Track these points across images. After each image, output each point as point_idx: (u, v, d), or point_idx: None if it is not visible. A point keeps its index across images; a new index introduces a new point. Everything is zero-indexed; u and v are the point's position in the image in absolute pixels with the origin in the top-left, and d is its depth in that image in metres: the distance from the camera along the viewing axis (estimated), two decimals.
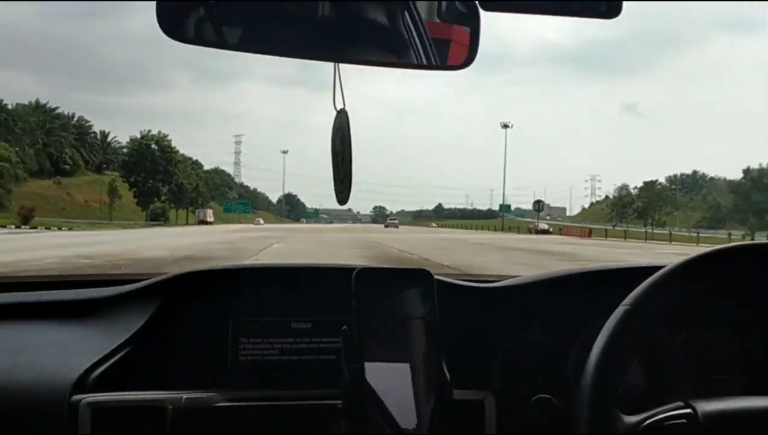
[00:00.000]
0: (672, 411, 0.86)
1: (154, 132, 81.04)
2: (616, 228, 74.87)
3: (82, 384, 1.04)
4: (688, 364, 1.30)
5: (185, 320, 1.29)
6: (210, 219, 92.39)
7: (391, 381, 0.80)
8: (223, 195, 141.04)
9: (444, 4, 0.99)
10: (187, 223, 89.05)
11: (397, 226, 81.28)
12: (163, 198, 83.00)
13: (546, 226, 70.15)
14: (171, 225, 76.78)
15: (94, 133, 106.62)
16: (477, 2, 0.93)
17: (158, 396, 1.01)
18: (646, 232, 57.84)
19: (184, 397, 1.00)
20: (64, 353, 1.15)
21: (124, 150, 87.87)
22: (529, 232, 64.10)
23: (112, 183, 78.11)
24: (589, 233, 55.21)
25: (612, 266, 1.38)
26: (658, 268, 0.95)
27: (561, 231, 66.84)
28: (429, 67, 0.95)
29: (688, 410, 0.85)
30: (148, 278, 1.34)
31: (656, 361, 1.30)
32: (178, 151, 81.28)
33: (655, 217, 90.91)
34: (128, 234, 39.74)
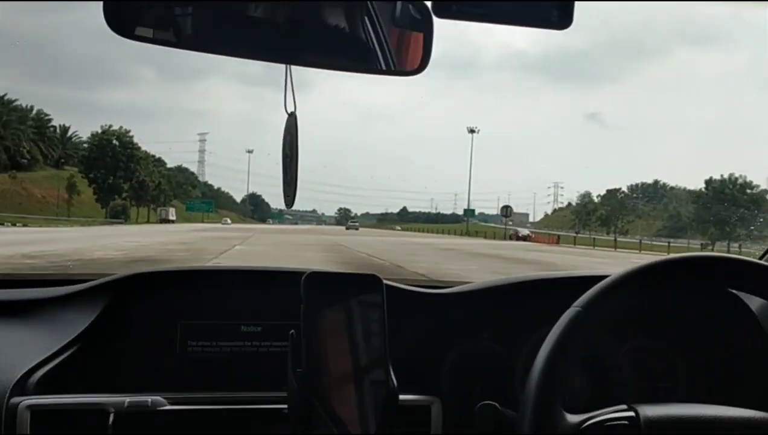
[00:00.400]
0: (615, 413, 0.87)
1: (116, 127, 78.46)
2: (580, 235, 75.13)
3: (22, 386, 1.02)
4: (632, 372, 1.34)
5: (132, 322, 1.28)
6: (172, 217, 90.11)
7: (337, 385, 0.81)
8: (186, 193, 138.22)
9: (398, 8, 0.98)
10: (148, 222, 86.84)
11: (357, 229, 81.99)
12: (124, 195, 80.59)
13: (527, 232, 68.76)
14: (131, 223, 74.68)
15: (54, 126, 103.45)
16: (430, 8, 0.94)
17: (100, 399, 0.98)
18: (615, 239, 57.72)
19: (127, 400, 0.98)
20: (5, 354, 1.12)
21: (85, 145, 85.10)
22: (511, 238, 62.31)
23: (70, 178, 75.94)
24: (557, 240, 54.91)
25: (563, 274, 1.39)
26: (607, 276, 0.96)
27: (527, 238, 66.58)
28: (382, 72, 0.96)
29: (631, 413, 0.87)
30: (96, 279, 1.32)
31: (602, 369, 1.33)
32: (140, 148, 78.95)
33: (618, 224, 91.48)
34: (84, 231, 38.28)
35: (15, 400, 0.97)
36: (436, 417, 1.08)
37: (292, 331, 0.86)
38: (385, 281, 0.90)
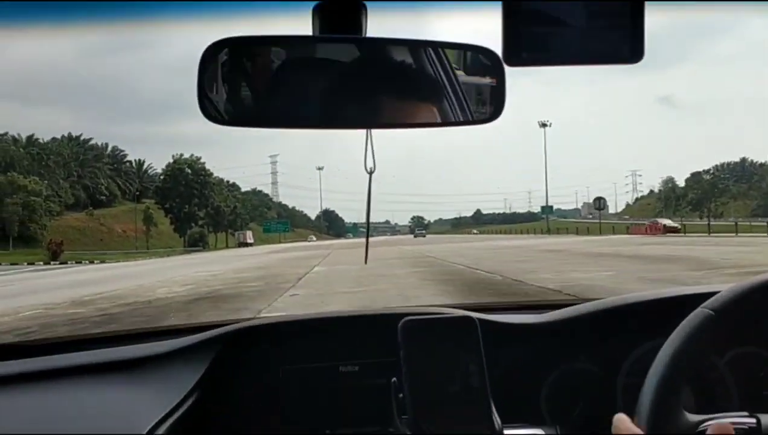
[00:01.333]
0: (736, 418, 0.84)
1: (187, 155, 77.92)
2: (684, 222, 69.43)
3: None
4: (736, 381, 1.30)
5: (239, 373, 1.34)
6: (250, 240, 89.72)
7: (443, 429, 0.82)
8: (262, 215, 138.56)
9: (469, 59, 1.02)
10: (227, 246, 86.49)
11: (424, 236, 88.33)
12: (200, 222, 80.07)
13: (675, 224, 57.38)
14: (210, 249, 73.97)
15: (130, 162, 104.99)
16: (501, 57, 0.95)
17: None
18: (736, 224, 51.53)
19: None
20: (126, 413, 1.16)
21: (160, 176, 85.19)
22: (648, 231, 52.81)
23: (146, 210, 75.41)
24: (664, 229, 49.44)
25: (661, 295, 1.37)
26: (710, 294, 0.90)
27: (628, 229, 60.57)
28: (458, 123, 0.98)
29: (753, 420, 0.83)
30: (196, 331, 1.39)
31: (705, 377, 1.29)
32: (212, 174, 78.10)
33: (711, 207, 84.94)
34: (160, 263, 36.98)
35: None
36: None
37: (394, 378, 0.87)
38: (477, 316, 0.91)
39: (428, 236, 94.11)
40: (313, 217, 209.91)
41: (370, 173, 1.02)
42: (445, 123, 0.96)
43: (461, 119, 0.96)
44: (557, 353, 1.32)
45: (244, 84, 0.95)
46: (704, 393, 1.23)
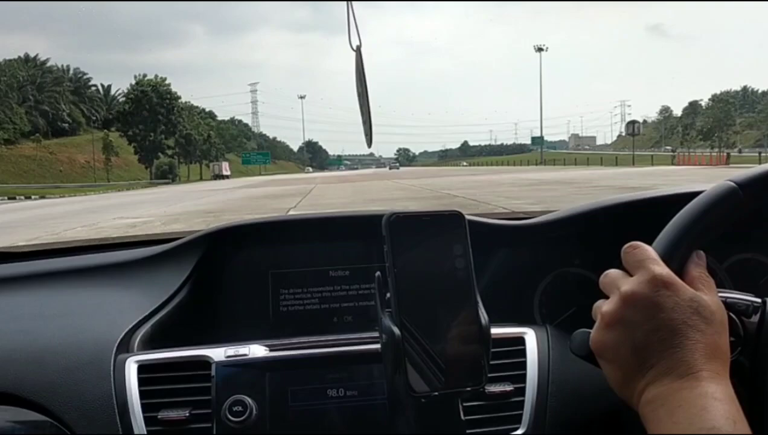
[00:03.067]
0: (744, 295, 0.82)
1: (150, 76, 67.93)
2: (681, 152, 62.64)
3: (126, 344, 1.06)
4: (737, 287, 1.22)
5: (224, 276, 1.32)
6: (226, 172, 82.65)
7: (426, 323, 0.82)
8: (241, 146, 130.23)
9: None
10: (201, 179, 79.15)
11: (398, 169, 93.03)
12: (170, 152, 71.92)
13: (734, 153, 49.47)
14: (180, 181, 66.36)
15: (95, 86, 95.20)
16: None
17: (201, 352, 1.01)
18: (726, 154, 44.09)
19: (227, 350, 1.01)
20: (106, 314, 1.16)
21: (122, 100, 75.69)
22: (712, 161, 43.98)
23: (105, 138, 66.09)
24: (727, 159, 41.14)
25: (653, 194, 1.29)
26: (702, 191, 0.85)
27: (673, 160, 52.24)
28: None
29: (759, 300, 0.81)
30: (181, 237, 1.37)
31: None
32: (179, 97, 68.47)
33: (723, 136, 77.91)
34: (113, 199, 30.36)
35: (121, 356, 1.01)
36: (530, 346, 1.06)
37: (378, 272, 0.85)
38: (468, 216, 0.88)
39: (418, 169, 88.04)
40: (295, 148, 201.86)
41: (357, 50, 0.95)
42: None
43: None
44: (549, 257, 1.29)
45: None
46: None
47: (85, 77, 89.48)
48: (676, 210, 0.82)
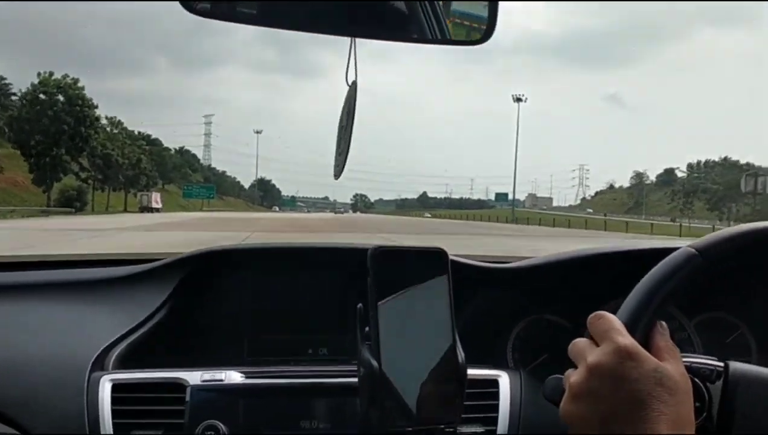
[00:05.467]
0: (705, 359, 0.82)
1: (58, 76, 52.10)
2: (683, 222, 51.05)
3: (101, 362, 1.04)
4: (704, 347, 1.26)
5: (203, 300, 1.30)
6: (156, 205, 67.63)
7: (405, 358, 0.81)
8: (184, 178, 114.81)
9: None
10: (126, 210, 64.15)
11: (343, 214, 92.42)
12: (84, 175, 56.66)
13: None
14: (92, 212, 51.30)
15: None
16: None
17: (177, 374, 1.00)
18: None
19: (203, 374, 0.99)
20: (83, 331, 1.14)
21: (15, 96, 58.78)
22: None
23: None
24: None
25: (630, 247, 1.29)
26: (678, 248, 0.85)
27: (681, 232, 39.22)
28: (447, 42, 0.94)
29: (721, 364, 0.81)
30: (163, 258, 1.35)
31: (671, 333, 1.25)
32: (96, 106, 53.09)
33: (732, 207, 66.42)
34: None
35: (96, 374, 0.99)
36: (504, 389, 1.05)
37: (360, 304, 0.85)
38: (451, 257, 0.88)
39: (383, 218, 74.68)
40: (247, 185, 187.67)
41: (353, 86, 0.95)
42: (436, 41, 0.91)
43: (452, 38, 0.92)
44: (526, 302, 1.28)
45: None
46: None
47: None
48: (654, 263, 0.81)
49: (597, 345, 0.71)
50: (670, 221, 68.57)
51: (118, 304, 1.22)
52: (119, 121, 68.23)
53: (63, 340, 1.09)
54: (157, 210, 66.63)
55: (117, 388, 0.97)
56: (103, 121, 57.88)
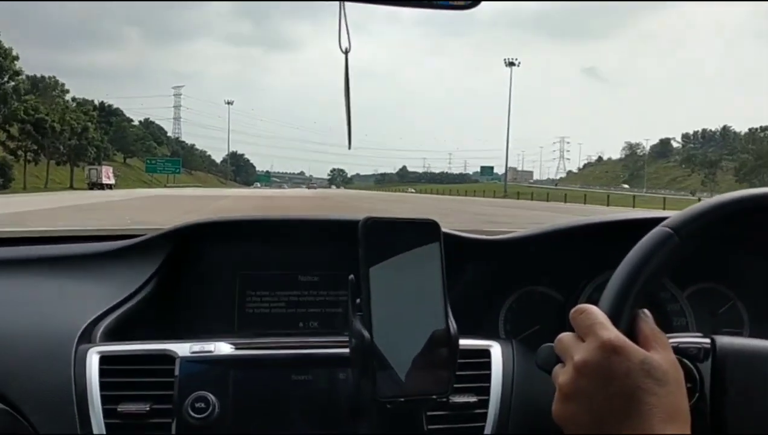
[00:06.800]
0: (691, 337, 0.82)
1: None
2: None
3: (89, 334, 1.04)
4: (696, 319, 1.26)
5: (192, 273, 1.29)
6: (108, 180, 57.64)
7: (397, 329, 0.81)
8: (149, 151, 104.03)
9: None
10: (72, 187, 54.23)
11: (315, 189, 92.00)
12: (12, 145, 46.47)
13: None
14: (18, 190, 41.50)
15: None
16: None
17: (166, 346, 0.99)
18: None
19: (192, 346, 0.98)
20: (70, 305, 1.13)
21: None
22: None
23: None
24: None
25: (621, 217, 1.28)
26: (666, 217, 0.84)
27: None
28: (434, 6, 0.91)
29: (707, 340, 0.81)
30: (147, 233, 1.34)
31: (663, 315, 1.24)
32: (16, 57, 42.73)
33: (765, 178, 57.91)
34: None
35: (83, 347, 0.98)
36: (496, 359, 1.04)
37: (351, 276, 0.83)
38: (443, 229, 0.87)
39: (366, 193, 65.90)
40: (219, 160, 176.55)
41: (346, 53, 0.91)
42: (424, 3, 0.89)
43: (440, 2, 0.89)
44: (517, 274, 1.28)
45: None
46: (662, 317, 1.16)
47: None
48: (643, 233, 0.80)
49: (582, 340, 0.70)
50: (690, 194, 60.12)
51: (105, 278, 1.21)
52: (60, 82, 57.66)
53: (49, 313, 1.08)
54: (110, 186, 56.90)
55: (105, 360, 0.96)
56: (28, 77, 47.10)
